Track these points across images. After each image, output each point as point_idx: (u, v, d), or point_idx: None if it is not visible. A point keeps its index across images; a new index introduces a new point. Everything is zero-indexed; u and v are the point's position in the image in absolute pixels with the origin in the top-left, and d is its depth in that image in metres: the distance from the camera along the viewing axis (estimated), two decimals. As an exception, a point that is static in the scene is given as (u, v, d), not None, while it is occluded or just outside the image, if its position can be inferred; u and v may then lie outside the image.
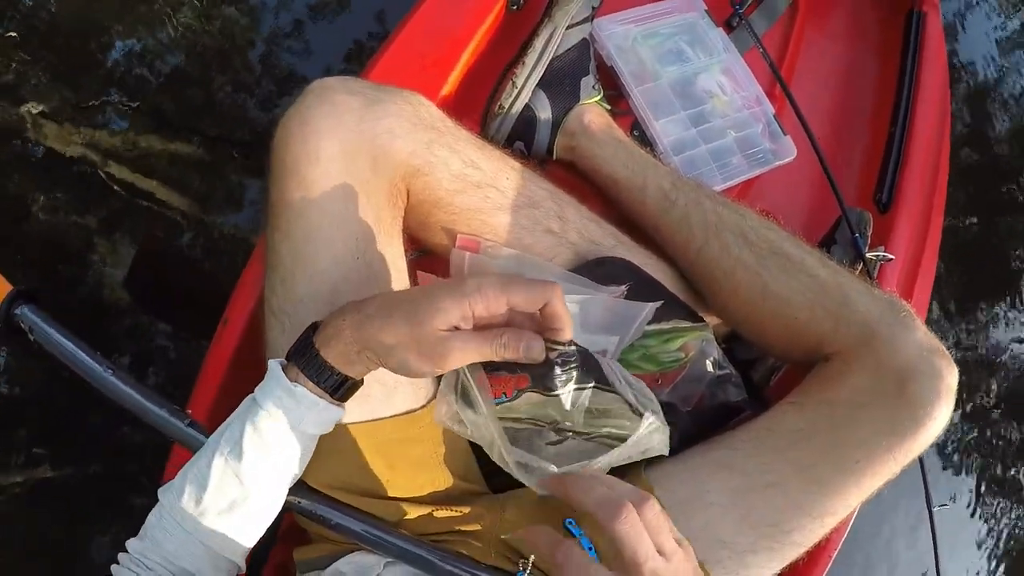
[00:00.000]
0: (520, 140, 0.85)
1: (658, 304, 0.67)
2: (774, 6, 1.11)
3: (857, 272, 0.85)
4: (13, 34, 1.22)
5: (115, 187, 1.20)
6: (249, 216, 1.22)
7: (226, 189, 1.24)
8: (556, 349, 0.47)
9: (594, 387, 0.50)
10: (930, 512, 0.83)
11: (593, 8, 0.91)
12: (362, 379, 0.53)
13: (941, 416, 0.61)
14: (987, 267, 1.55)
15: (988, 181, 1.61)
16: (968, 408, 1.41)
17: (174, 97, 1.28)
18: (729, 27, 1.04)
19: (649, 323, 0.70)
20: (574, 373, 0.49)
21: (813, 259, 0.71)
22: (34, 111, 1.20)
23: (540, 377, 0.49)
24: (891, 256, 0.89)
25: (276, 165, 0.58)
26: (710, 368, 0.73)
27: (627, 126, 0.92)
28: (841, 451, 0.62)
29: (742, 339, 0.78)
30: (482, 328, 0.47)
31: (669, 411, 0.71)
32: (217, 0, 1.35)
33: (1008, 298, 1.52)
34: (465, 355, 0.46)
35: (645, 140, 0.91)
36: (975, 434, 1.39)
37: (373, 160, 0.60)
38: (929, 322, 1.43)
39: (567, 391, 0.49)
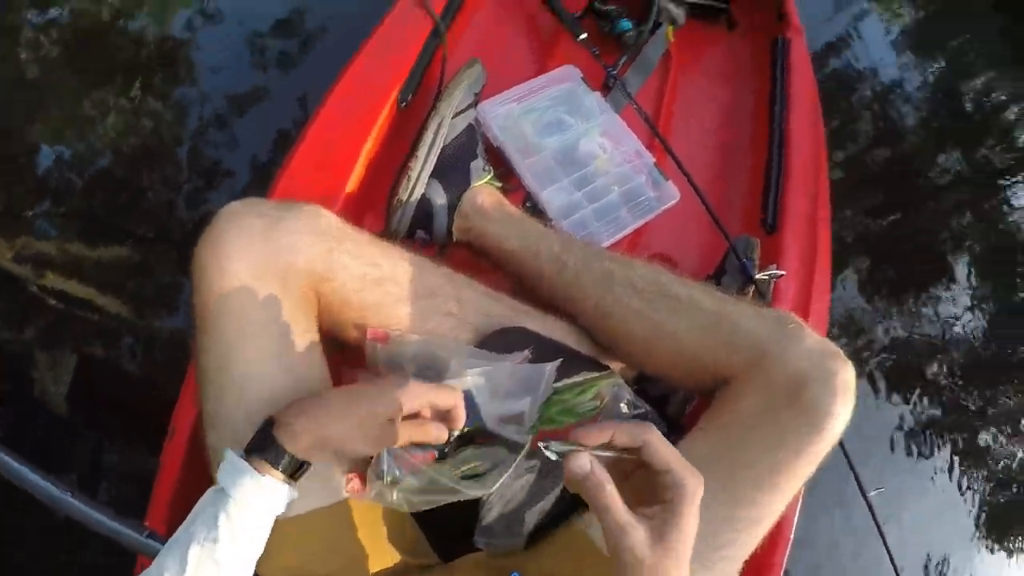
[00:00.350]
0: (421, 228, 0.91)
1: (558, 362, 0.73)
2: (648, 61, 1.20)
3: (750, 295, 0.92)
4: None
5: (49, 298, 1.21)
6: (184, 314, 1.24)
7: (158, 289, 1.27)
8: (453, 432, 0.66)
9: (472, 447, 0.69)
10: (866, 499, 0.87)
11: (476, 95, 0.99)
12: (309, 462, 0.61)
13: (841, 414, 0.65)
14: (916, 254, 1.62)
15: (904, 173, 1.70)
16: (914, 389, 1.46)
17: (103, 200, 1.30)
18: (607, 88, 1.13)
19: (559, 380, 0.75)
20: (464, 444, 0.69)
21: (700, 294, 0.76)
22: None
23: (441, 452, 0.68)
24: (782, 272, 0.94)
25: (195, 283, 0.66)
26: (625, 410, 0.77)
27: (520, 200, 0.98)
28: (743, 472, 0.66)
29: (651, 377, 0.84)
30: (406, 419, 0.62)
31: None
32: (143, 97, 1.38)
33: (940, 279, 1.59)
34: (399, 438, 0.61)
35: (537, 210, 0.97)
36: (916, 414, 1.45)
37: (281, 276, 0.66)
38: (866, 314, 1.51)
39: (456, 456, 0.69)
